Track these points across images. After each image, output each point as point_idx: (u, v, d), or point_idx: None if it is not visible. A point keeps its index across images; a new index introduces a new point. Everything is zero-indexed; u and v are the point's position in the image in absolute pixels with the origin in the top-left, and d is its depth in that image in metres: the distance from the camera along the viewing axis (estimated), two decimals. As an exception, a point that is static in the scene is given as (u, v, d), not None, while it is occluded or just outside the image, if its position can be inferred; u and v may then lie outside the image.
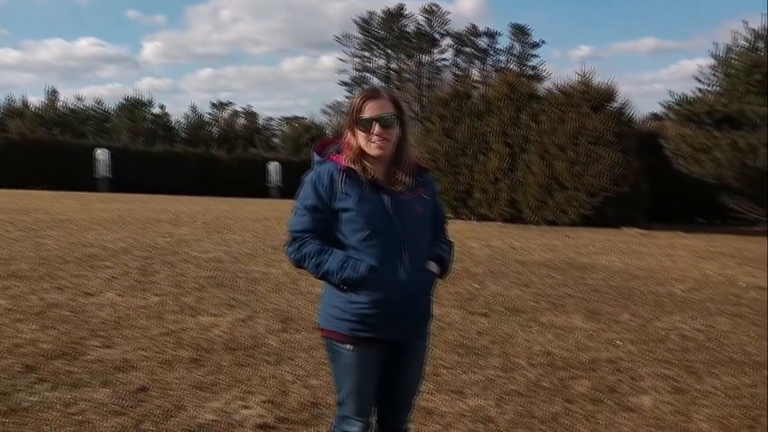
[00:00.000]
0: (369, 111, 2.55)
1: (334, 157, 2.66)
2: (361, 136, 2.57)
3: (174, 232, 12.05)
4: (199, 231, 12.44)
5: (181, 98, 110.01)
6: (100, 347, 5.01)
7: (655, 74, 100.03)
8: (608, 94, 19.77)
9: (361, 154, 2.59)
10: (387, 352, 2.70)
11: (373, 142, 2.55)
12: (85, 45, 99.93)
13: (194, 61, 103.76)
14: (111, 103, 50.37)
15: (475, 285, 8.08)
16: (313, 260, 2.59)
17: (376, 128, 2.54)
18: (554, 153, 19.09)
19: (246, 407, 4.01)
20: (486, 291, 7.79)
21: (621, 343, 5.86)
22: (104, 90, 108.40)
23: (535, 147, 19.57)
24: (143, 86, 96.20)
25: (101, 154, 38.87)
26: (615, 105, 19.90)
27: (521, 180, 19.61)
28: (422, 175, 2.72)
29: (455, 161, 20.84)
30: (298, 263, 2.67)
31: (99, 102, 50.36)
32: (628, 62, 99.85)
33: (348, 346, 2.63)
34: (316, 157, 2.74)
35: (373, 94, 2.60)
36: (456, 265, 9.58)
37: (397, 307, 2.58)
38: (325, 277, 2.60)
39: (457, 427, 3.91)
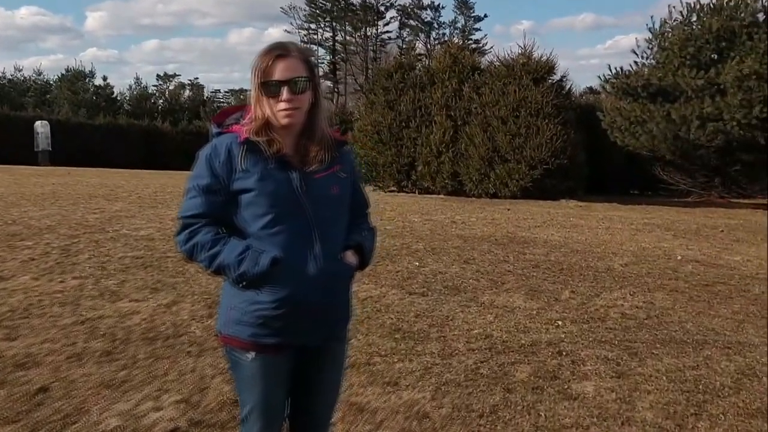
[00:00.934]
0: (277, 73, 2.07)
1: (234, 128, 2.17)
2: (266, 102, 2.09)
3: (107, 207, 11.35)
4: (134, 206, 11.75)
5: (127, 70, 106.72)
6: (1, 340, 4.46)
7: (592, 50, 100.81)
8: (549, 67, 19.53)
9: (267, 124, 2.11)
10: (297, 359, 2.24)
11: (282, 110, 2.07)
12: (26, 14, 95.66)
13: (140, 33, 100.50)
14: (53, 75, 48.38)
15: (415, 263, 7.70)
16: (206, 252, 2.11)
17: (285, 93, 2.06)
18: (496, 125, 18.80)
19: (157, 409, 3.55)
20: (426, 269, 7.41)
21: (562, 323, 5.57)
22: (47, 61, 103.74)
23: (478, 119, 19.25)
24: (87, 57, 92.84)
25: (41, 127, 37.18)
26: (555, 78, 19.71)
27: (463, 153, 19.29)
28: (339, 150, 2.23)
29: (399, 134, 20.38)
30: (189, 255, 2.16)
31: (39, 73, 48.25)
32: (567, 37, 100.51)
33: (250, 354, 2.16)
34: (214, 128, 2.23)
35: (282, 52, 2.09)
36: (396, 242, 9.30)
37: (308, 306, 2.12)
38: (220, 271, 2.11)
39: (389, 426, 3.52)
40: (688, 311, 6.16)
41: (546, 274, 7.42)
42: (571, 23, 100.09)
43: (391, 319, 5.45)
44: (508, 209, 14.53)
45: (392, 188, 20.79)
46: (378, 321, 5.34)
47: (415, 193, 20.26)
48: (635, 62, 19.83)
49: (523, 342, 5.02)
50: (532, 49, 19.84)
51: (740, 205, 18.50)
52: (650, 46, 19.72)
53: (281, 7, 75.16)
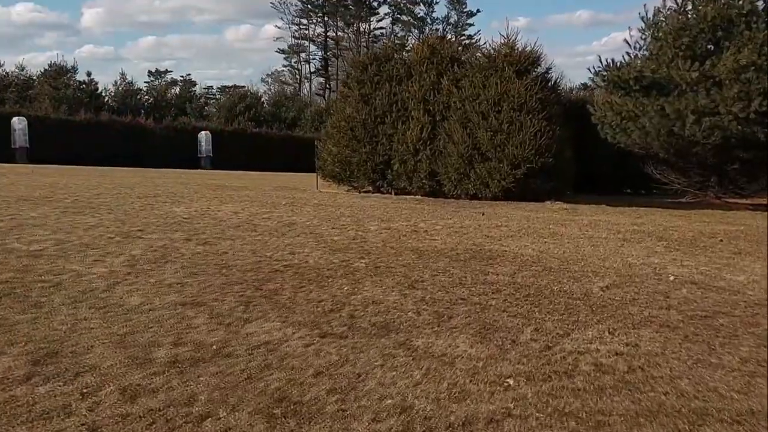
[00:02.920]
0: None
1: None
2: None
3: (23, 213, 9.83)
4: (57, 211, 10.23)
5: (126, 66, 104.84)
6: None
7: (589, 46, 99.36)
8: (533, 58, 18.05)
9: None
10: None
11: None
12: (22, 10, 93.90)
13: (137, 29, 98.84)
14: (38, 71, 46.72)
15: (347, 287, 6.19)
16: None
17: None
18: (476, 121, 17.30)
19: None
20: (358, 297, 5.90)
21: (514, 383, 4.07)
22: (43, 57, 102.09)
23: (457, 115, 17.75)
24: (84, 54, 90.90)
25: (18, 123, 35.67)
26: (539, 70, 18.20)
27: (442, 150, 17.78)
28: None
29: (374, 130, 18.85)
30: None
31: (21, 68, 46.66)
32: (564, 34, 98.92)
33: None
34: None
35: None
36: (336, 258, 7.74)
37: None
38: None
39: None
40: (683, 358, 4.66)
41: (507, 303, 5.91)
42: (568, 20, 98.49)
43: (280, 380, 3.94)
44: (483, 214, 12.99)
45: (367, 188, 19.28)
46: (260, 384, 3.84)
47: (390, 194, 18.74)
48: (627, 53, 18.34)
49: (453, 419, 3.53)
50: (516, 39, 18.34)
51: (738, 206, 17.00)
52: (643, 37, 18.21)
53: (271, 3, 73.41)
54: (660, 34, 17.39)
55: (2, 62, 44.35)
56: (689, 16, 17.09)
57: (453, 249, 8.40)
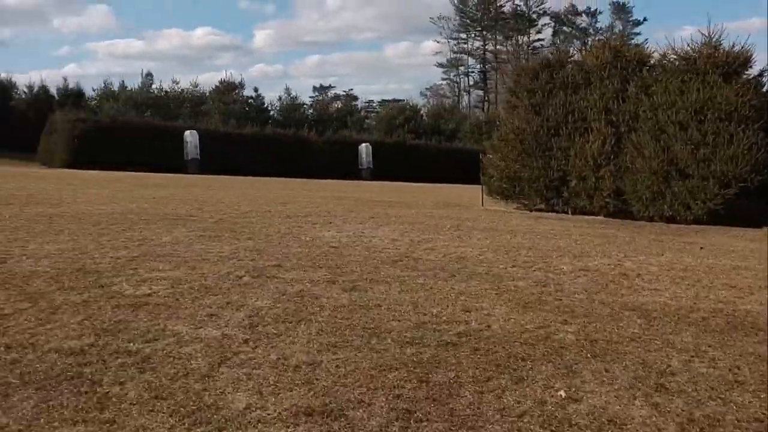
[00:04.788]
0: None
1: None
2: None
3: (155, 238, 8.44)
4: (192, 235, 8.75)
5: (292, 83, 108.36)
6: None
7: (763, 53, 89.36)
8: (743, 59, 14.74)
9: None
10: None
11: None
12: (201, 34, 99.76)
13: (303, 48, 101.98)
14: (210, 88, 48.19)
15: (557, 383, 3.90)
16: None
17: None
18: (672, 133, 14.33)
19: None
20: (580, 406, 3.59)
21: None
22: (219, 77, 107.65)
23: (647, 125, 14.84)
24: (255, 73, 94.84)
25: (189, 136, 36.50)
26: (752, 72, 14.87)
27: (629, 166, 14.94)
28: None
29: (546, 143, 16.31)
30: None
31: (195, 85, 48.31)
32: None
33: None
34: None
35: None
36: (531, 318, 4.96)
37: None
38: None
39: None
40: None
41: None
42: (740, 27, 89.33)
43: None
44: (702, 248, 10.09)
45: (538, 206, 16.76)
46: None
47: (567, 213, 16.10)
48: None
49: None
50: (720, 37, 15.08)
51: None
52: None
53: (430, 18, 72.23)
54: None
55: (178, 80, 46.04)
56: None
57: (692, 309, 5.81)
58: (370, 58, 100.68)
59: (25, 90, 42.72)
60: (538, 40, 74.49)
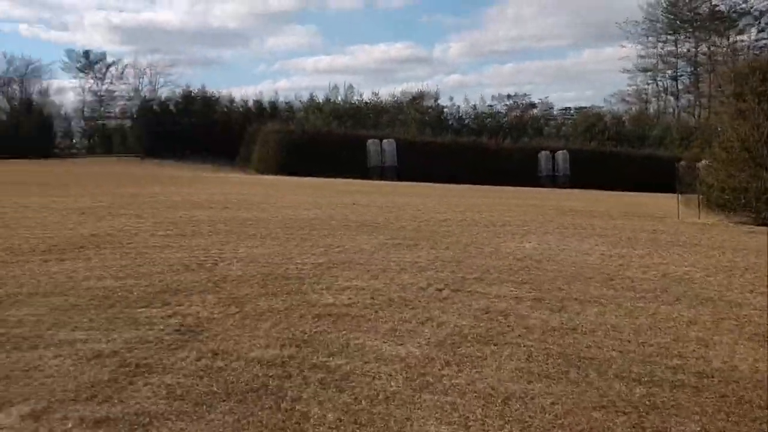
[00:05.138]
0: None
1: None
2: None
3: (353, 244, 8.38)
4: (390, 243, 8.58)
5: (487, 92, 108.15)
6: None
7: None
8: None
9: None
10: None
11: None
12: (400, 48, 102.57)
13: (496, 57, 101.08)
14: (407, 98, 49.15)
15: None
16: None
17: None
18: None
19: None
20: None
21: None
22: (416, 88, 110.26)
23: None
24: (451, 82, 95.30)
25: (387, 145, 37.44)
26: None
27: None
28: None
29: (758, 150, 14.31)
30: None
31: (394, 96, 49.46)
32: None
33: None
34: None
35: None
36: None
37: None
38: None
39: None
40: None
41: None
42: None
43: None
44: None
45: (748, 216, 14.76)
46: None
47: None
48: None
49: None
50: None
51: None
52: None
53: (616, 23, 67.90)
54: None
55: (377, 92, 47.48)
56: None
57: None
58: (564, 65, 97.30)
59: (228, 104, 46.61)
60: (762, 38, 67.48)
